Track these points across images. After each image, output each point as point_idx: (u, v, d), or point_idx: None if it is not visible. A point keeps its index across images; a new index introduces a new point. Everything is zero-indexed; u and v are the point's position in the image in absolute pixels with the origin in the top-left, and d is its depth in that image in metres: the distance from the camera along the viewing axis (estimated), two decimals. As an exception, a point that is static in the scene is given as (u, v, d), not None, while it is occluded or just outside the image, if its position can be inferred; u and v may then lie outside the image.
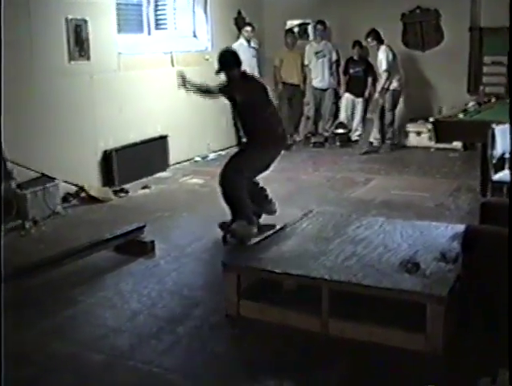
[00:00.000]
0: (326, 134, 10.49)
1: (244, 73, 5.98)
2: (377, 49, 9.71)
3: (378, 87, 9.68)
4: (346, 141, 10.17)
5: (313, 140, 10.38)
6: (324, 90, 10.37)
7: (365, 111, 10.16)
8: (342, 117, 10.30)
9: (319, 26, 10.29)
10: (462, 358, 3.44)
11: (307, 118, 10.64)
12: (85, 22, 7.18)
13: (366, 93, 10.10)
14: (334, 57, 10.38)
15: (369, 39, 9.73)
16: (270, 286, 4.23)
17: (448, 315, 3.43)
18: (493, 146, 5.78)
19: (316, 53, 10.30)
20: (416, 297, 3.51)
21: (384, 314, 3.73)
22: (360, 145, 9.81)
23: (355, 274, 3.71)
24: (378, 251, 4.07)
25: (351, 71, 10.15)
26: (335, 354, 3.60)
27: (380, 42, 9.71)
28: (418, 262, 3.77)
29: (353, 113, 10.27)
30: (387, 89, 9.70)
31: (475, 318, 3.57)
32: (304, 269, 3.85)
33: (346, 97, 10.25)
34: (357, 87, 10.13)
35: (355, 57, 10.11)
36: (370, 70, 10.07)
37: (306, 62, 10.41)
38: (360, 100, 10.15)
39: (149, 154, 8.22)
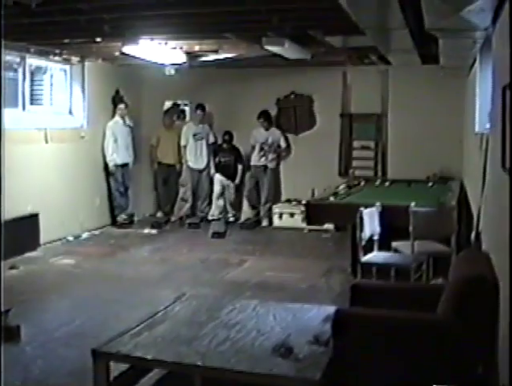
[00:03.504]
0: (202, 215, 10.52)
1: None
2: (267, 129, 10.20)
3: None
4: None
5: (188, 221, 10.35)
6: (201, 171, 10.47)
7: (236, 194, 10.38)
8: (214, 196, 10.49)
9: (198, 111, 10.44)
10: None
11: (182, 200, 10.60)
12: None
13: (237, 180, 10.38)
14: (211, 140, 10.58)
15: (261, 120, 10.09)
16: (143, 372, 4.11)
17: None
18: (361, 229, 5.97)
19: (194, 135, 10.44)
20: (290, 382, 3.49)
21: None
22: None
23: (228, 360, 3.65)
24: (252, 335, 4.04)
25: (222, 159, 10.44)
26: None
27: (270, 123, 10.12)
28: (291, 346, 3.76)
29: (223, 193, 10.47)
30: (266, 167, 10.18)
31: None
32: (176, 356, 3.76)
33: (217, 178, 10.47)
34: (227, 171, 10.40)
35: (224, 146, 10.39)
36: (240, 158, 10.39)
37: (183, 142, 10.48)
38: (230, 183, 10.41)
39: (18, 233, 7.91)
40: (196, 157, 10.45)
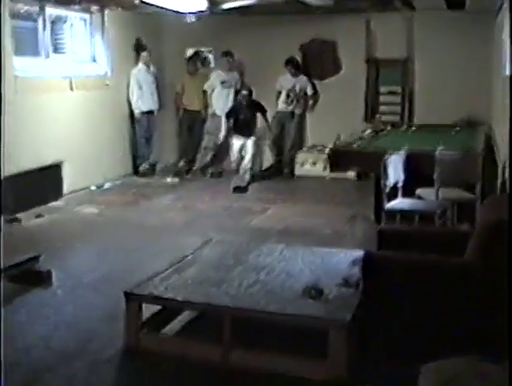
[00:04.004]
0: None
1: None
2: (295, 76, 10.06)
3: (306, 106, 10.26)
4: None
5: (210, 170, 10.26)
6: None
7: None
8: (233, 159, 9.69)
9: (228, 57, 10.24)
10: (365, 384, 3.47)
11: (205, 148, 10.33)
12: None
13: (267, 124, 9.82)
14: (239, 86, 10.34)
15: (288, 66, 9.99)
16: (173, 316, 4.17)
17: (351, 341, 3.46)
18: (385, 176, 5.95)
19: (223, 82, 10.24)
20: (319, 322, 3.53)
21: (289, 341, 3.73)
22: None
23: (258, 301, 3.69)
24: (281, 277, 4.08)
25: (240, 116, 9.39)
26: (235, 385, 3.55)
27: (298, 69, 10.02)
28: (320, 288, 3.80)
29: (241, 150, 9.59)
30: (293, 113, 10.15)
31: (377, 343, 3.63)
32: (206, 297, 3.81)
33: (235, 142, 9.58)
34: (245, 130, 9.46)
35: (244, 102, 9.49)
36: (262, 109, 9.55)
37: (207, 88, 10.30)
38: (250, 140, 9.52)
39: (43, 182, 7.98)
40: (223, 104, 10.17)
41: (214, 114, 10.28)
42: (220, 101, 10.24)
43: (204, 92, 10.36)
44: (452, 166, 5.99)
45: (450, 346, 3.36)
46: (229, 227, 7.01)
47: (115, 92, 9.70)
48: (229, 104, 10.16)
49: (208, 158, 10.36)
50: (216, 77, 10.33)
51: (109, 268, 5.60)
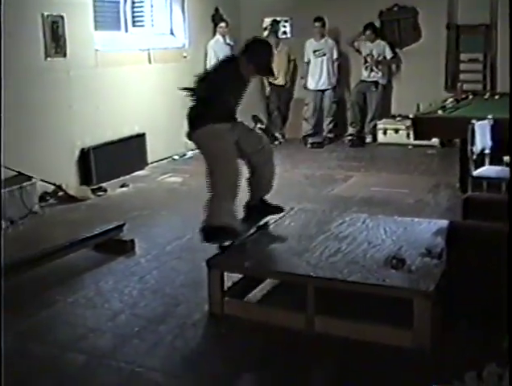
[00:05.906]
0: (328, 135, 10.18)
1: None
2: (373, 41, 9.86)
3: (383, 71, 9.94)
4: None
5: (310, 140, 10.03)
6: (323, 90, 10.03)
7: None
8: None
9: (317, 24, 9.92)
10: (449, 353, 3.43)
11: (305, 119, 10.13)
12: (62, 18, 7.09)
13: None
14: (335, 55, 10.08)
15: (367, 32, 9.79)
16: (255, 284, 4.21)
17: (435, 310, 3.42)
18: (472, 142, 5.80)
19: (315, 51, 9.99)
20: (403, 292, 3.49)
21: (370, 310, 3.71)
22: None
23: (340, 271, 3.68)
24: (363, 247, 4.04)
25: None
26: (321, 351, 3.56)
27: (376, 35, 9.85)
28: (403, 258, 3.75)
29: None
30: (377, 83, 9.92)
31: (460, 313, 3.56)
32: (289, 267, 3.81)
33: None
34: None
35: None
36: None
37: (306, 60, 10.11)
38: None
39: (127, 153, 8.13)
40: (316, 75, 9.95)
41: (305, 88, 10.09)
42: (312, 73, 10.00)
43: (291, 64, 10.18)
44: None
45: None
46: (310, 195, 6.98)
47: (192, 64, 9.71)
48: (324, 74, 9.91)
49: (307, 128, 10.15)
50: (308, 47, 10.05)
51: (193, 235, 5.60)
